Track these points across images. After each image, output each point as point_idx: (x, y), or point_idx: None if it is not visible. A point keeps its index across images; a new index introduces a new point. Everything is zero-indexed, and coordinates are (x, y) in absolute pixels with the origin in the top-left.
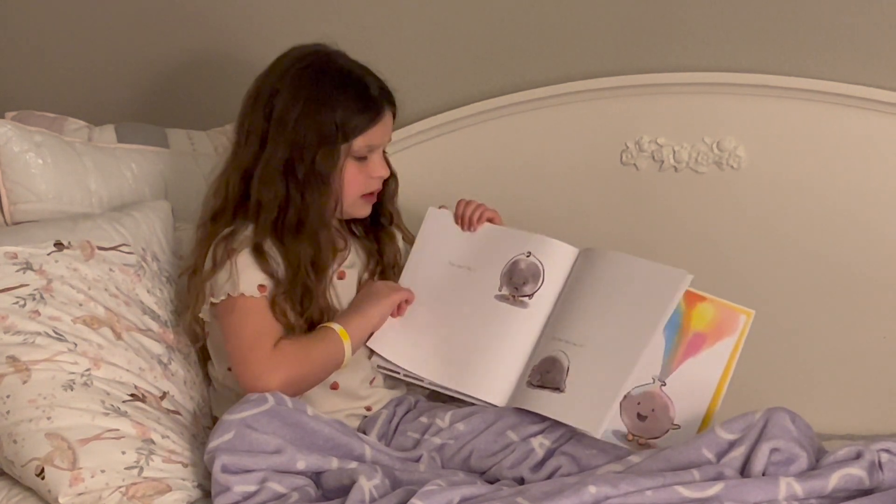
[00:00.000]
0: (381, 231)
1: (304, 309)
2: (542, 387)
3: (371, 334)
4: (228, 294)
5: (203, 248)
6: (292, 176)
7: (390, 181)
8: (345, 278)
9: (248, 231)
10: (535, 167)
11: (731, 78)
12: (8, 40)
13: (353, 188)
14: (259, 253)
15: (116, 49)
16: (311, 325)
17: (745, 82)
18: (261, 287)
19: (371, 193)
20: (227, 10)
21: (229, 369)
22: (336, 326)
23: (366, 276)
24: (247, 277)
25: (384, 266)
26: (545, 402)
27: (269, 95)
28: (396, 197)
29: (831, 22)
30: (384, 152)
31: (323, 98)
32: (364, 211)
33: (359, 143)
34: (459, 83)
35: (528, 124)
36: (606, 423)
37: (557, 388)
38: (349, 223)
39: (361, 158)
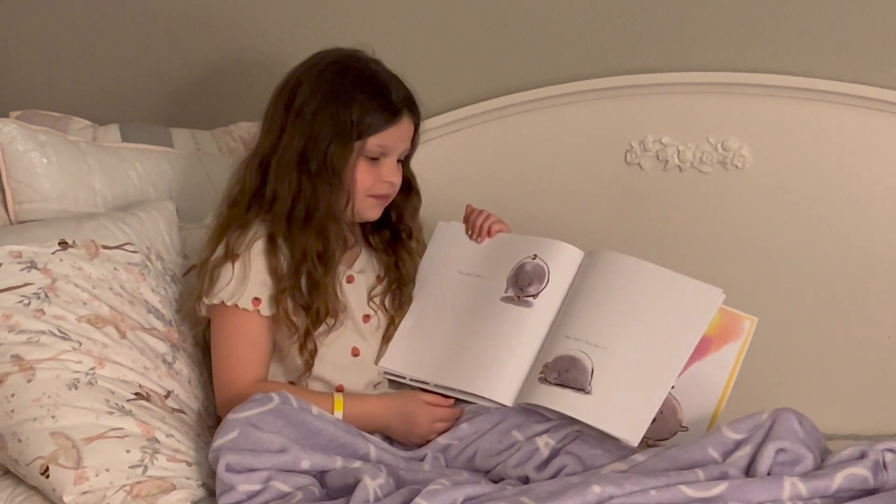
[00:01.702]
0: (399, 245)
1: (311, 301)
2: (562, 385)
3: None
4: (223, 301)
5: (218, 236)
6: (305, 168)
7: (413, 198)
8: (353, 282)
9: (256, 231)
10: (539, 167)
11: (735, 78)
12: (13, 39)
13: (362, 187)
14: (272, 245)
15: (121, 49)
16: (318, 321)
17: (750, 82)
18: (255, 300)
19: (381, 196)
20: (232, 12)
21: None
22: (338, 397)
23: (378, 287)
24: (245, 287)
25: (400, 281)
26: (569, 402)
27: (293, 87)
28: (418, 214)
29: (836, 22)
30: (407, 166)
31: (342, 94)
32: (373, 213)
33: (372, 142)
34: (463, 83)
35: (531, 124)
36: (643, 433)
37: (582, 389)
38: (366, 234)
39: (374, 159)
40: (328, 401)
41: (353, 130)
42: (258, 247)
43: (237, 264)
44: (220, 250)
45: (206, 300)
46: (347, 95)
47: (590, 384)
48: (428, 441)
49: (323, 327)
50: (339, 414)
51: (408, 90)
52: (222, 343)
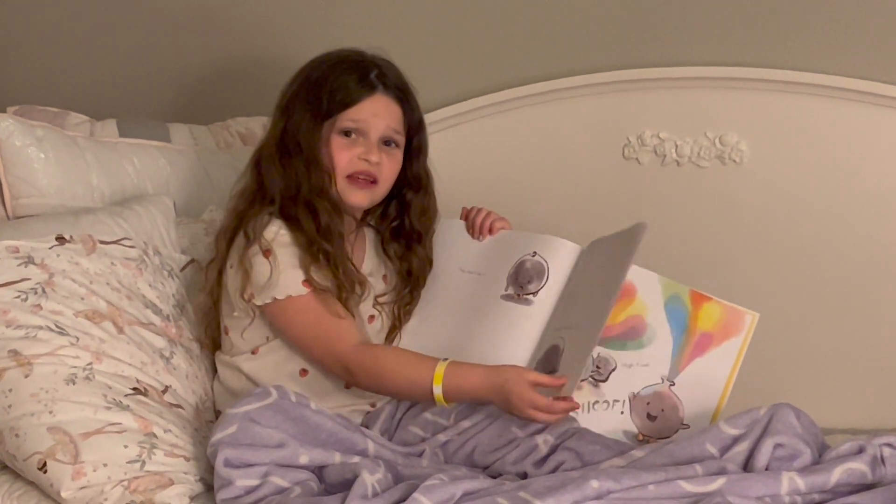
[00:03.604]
0: (411, 253)
1: (335, 276)
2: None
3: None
4: (275, 298)
5: (229, 234)
6: (285, 152)
7: (422, 196)
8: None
9: (272, 222)
10: (537, 161)
11: (733, 72)
12: (10, 35)
13: (339, 165)
14: (291, 230)
15: (118, 44)
16: (346, 291)
17: (748, 77)
18: (305, 283)
19: (360, 178)
20: (229, 8)
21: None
22: (440, 368)
23: (388, 296)
24: (290, 276)
25: (414, 285)
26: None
27: (286, 85)
28: (427, 216)
29: (834, 16)
30: (416, 162)
31: (317, 76)
32: (355, 198)
33: (344, 117)
34: (461, 78)
35: (530, 119)
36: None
37: (553, 371)
38: (384, 243)
39: (347, 135)
40: (430, 369)
41: (323, 107)
42: (283, 238)
43: (270, 259)
44: (240, 241)
45: (256, 301)
46: (322, 76)
47: (559, 365)
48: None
49: (354, 296)
50: (437, 389)
51: (395, 76)
52: (303, 332)
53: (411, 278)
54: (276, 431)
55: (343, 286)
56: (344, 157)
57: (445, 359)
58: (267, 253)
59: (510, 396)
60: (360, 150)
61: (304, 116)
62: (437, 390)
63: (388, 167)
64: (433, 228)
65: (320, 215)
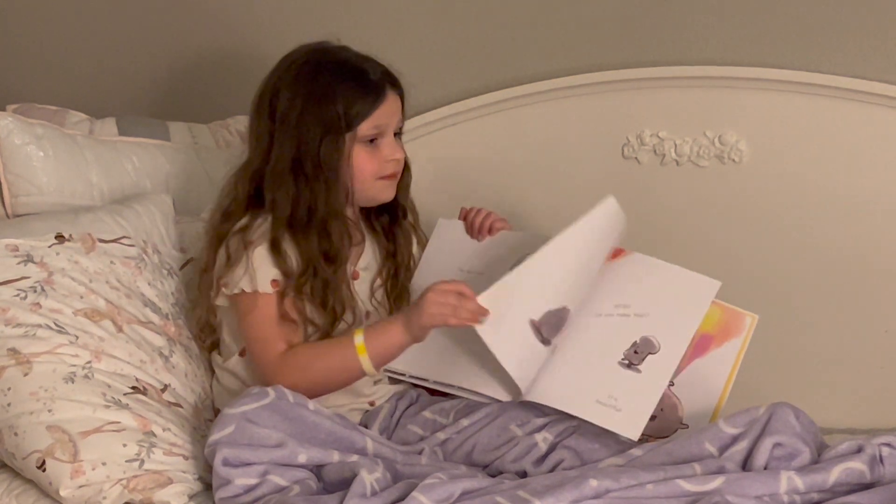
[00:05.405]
0: (396, 227)
1: (325, 302)
2: None
3: (402, 349)
4: (243, 290)
5: (214, 247)
6: (300, 172)
7: (405, 175)
8: (358, 279)
9: (264, 225)
10: (537, 161)
11: (732, 72)
12: (9, 33)
13: (367, 173)
14: (276, 249)
15: (118, 43)
16: (336, 319)
17: (747, 76)
18: (273, 282)
19: (391, 176)
20: (229, 4)
21: (241, 354)
22: (358, 339)
23: (378, 281)
24: (262, 273)
25: (397, 266)
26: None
27: (271, 96)
28: (409, 191)
29: (834, 16)
30: (399, 139)
31: (322, 91)
32: (386, 194)
33: (364, 127)
34: (460, 77)
35: (529, 118)
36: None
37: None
38: (370, 219)
39: (371, 141)
40: (348, 350)
41: (341, 123)
42: (262, 249)
43: (249, 254)
44: (221, 258)
45: (225, 290)
46: (328, 90)
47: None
48: (434, 325)
49: (343, 325)
50: (364, 359)
51: (383, 66)
52: (248, 326)
53: (396, 259)
54: (274, 431)
55: (329, 315)
56: (372, 164)
57: (358, 328)
58: (248, 244)
59: (423, 303)
60: (384, 152)
61: (323, 135)
62: (365, 361)
63: (403, 155)
64: (412, 204)
65: (334, 240)
